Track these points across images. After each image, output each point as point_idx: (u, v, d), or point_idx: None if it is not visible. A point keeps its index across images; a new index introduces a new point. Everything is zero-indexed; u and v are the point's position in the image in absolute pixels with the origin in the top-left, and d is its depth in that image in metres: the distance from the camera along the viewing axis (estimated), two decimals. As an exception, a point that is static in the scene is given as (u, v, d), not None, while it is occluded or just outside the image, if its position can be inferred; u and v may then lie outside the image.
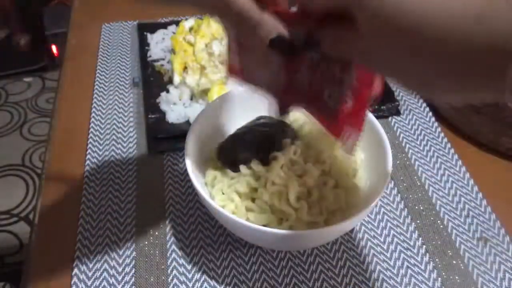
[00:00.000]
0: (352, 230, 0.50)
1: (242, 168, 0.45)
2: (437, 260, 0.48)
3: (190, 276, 0.46)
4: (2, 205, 1.48)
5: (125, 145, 0.59)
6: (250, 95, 0.52)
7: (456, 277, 0.46)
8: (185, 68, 0.65)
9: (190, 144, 0.46)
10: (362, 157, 0.49)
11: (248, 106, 0.52)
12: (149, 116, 0.61)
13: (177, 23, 0.76)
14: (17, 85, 1.93)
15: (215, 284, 0.46)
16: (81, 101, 0.65)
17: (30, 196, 1.51)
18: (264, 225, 0.42)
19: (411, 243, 0.49)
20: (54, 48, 1.95)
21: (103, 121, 0.62)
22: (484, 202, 0.53)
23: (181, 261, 0.47)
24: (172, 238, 0.49)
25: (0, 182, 1.55)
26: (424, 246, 0.49)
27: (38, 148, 1.66)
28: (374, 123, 0.47)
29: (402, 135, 0.60)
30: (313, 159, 0.46)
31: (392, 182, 0.55)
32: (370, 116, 0.48)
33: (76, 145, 0.59)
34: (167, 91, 0.63)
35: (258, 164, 0.44)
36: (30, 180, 1.56)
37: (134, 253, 0.48)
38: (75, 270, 0.46)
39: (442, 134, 0.60)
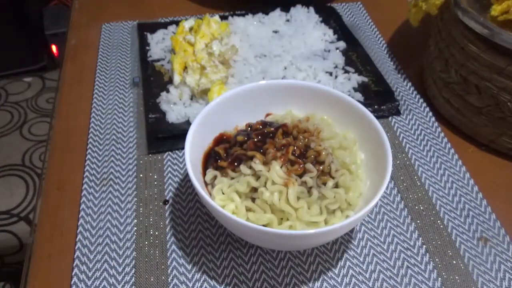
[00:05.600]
0: (352, 230, 0.50)
1: (243, 167, 0.45)
2: (437, 260, 0.48)
3: (190, 276, 0.46)
4: (2, 205, 1.48)
5: (125, 145, 0.59)
6: (248, 97, 0.52)
7: (456, 277, 0.46)
8: (185, 68, 0.65)
9: (190, 144, 0.46)
10: (362, 157, 0.49)
11: (248, 106, 0.52)
12: (149, 116, 0.61)
13: (177, 23, 0.76)
14: (17, 85, 1.93)
15: (215, 284, 0.46)
16: (81, 101, 0.65)
17: (30, 196, 1.51)
18: (264, 225, 0.42)
19: (411, 243, 0.49)
20: (54, 48, 1.95)
21: (103, 121, 0.62)
22: (484, 202, 0.53)
23: (181, 261, 0.47)
24: (172, 238, 0.49)
25: (0, 182, 1.55)
26: (424, 246, 0.49)
27: (38, 148, 1.66)
28: (374, 123, 0.47)
29: (402, 135, 0.60)
30: (312, 158, 0.46)
31: (392, 182, 0.55)
32: (371, 116, 0.48)
33: (76, 145, 0.59)
34: (167, 91, 0.63)
35: (258, 164, 0.44)
36: (30, 180, 1.56)
37: (134, 253, 0.48)
38: (75, 270, 0.46)
39: (442, 134, 0.60)
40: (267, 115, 0.53)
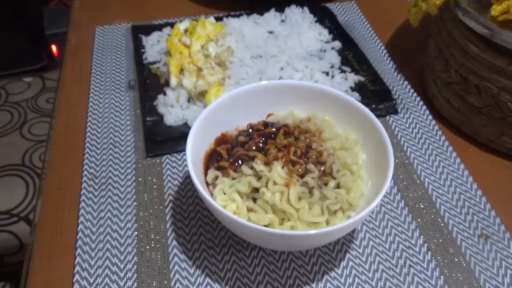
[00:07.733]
0: (353, 230, 0.50)
1: (244, 168, 0.45)
2: (439, 258, 0.48)
3: (192, 280, 0.46)
4: (2, 205, 1.47)
5: (123, 148, 0.58)
6: (249, 97, 0.52)
7: (459, 275, 0.46)
8: (181, 70, 0.65)
9: (192, 144, 0.46)
10: (364, 158, 0.49)
11: (250, 107, 0.52)
12: (147, 119, 0.60)
13: (171, 25, 0.76)
14: (17, 85, 1.93)
15: (218, 287, 0.45)
16: (81, 100, 0.65)
17: (30, 196, 1.50)
18: (265, 226, 0.42)
19: (413, 242, 0.49)
20: (54, 48, 1.95)
21: (99, 124, 0.61)
22: (484, 199, 0.53)
23: (183, 265, 0.47)
24: (174, 242, 0.49)
25: (0, 182, 1.54)
26: (426, 245, 0.49)
27: (38, 148, 1.66)
28: (375, 123, 0.47)
29: (400, 133, 0.60)
30: (314, 159, 0.46)
31: (392, 181, 0.55)
32: (372, 116, 0.48)
33: (76, 145, 0.59)
34: (164, 94, 0.63)
35: (259, 164, 0.44)
36: (30, 180, 1.55)
37: (136, 257, 0.47)
38: (76, 277, 0.46)
39: (440, 132, 0.60)
40: (269, 115, 0.53)
